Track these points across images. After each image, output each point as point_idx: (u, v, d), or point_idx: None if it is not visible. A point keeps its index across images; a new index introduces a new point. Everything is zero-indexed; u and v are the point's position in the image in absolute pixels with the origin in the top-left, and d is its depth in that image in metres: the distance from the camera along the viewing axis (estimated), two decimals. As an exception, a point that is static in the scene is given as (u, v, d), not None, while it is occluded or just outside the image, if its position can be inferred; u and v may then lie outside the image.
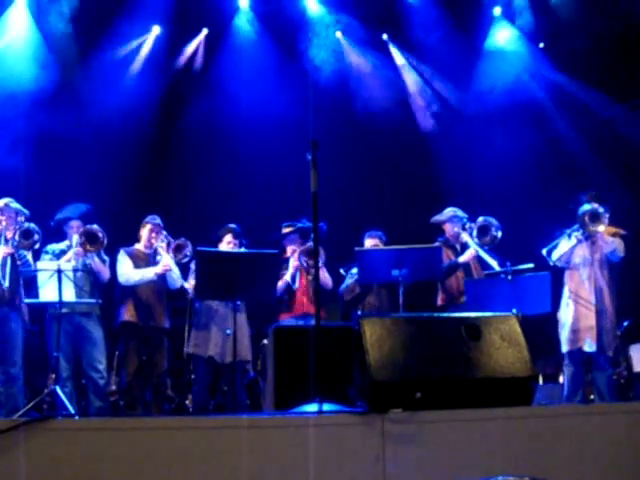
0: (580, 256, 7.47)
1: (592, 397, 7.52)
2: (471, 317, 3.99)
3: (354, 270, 7.92)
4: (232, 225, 7.69)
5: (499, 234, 7.59)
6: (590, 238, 7.41)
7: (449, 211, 8.06)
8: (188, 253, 7.46)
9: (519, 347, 3.83)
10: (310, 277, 7.78)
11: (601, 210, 7.24)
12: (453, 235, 7.96)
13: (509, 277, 6.87)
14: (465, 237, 7.79)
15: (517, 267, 7.17)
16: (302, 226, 7.94)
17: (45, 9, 9.48)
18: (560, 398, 7.63)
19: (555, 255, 7.49)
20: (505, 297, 6.71)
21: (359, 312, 7.83)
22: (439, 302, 7.88)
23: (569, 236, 7.50)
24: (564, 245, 7.51)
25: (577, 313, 7.36)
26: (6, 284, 6.95)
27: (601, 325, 7.27)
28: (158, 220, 7.68)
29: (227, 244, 7.57)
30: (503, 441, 3.44)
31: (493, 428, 3.46)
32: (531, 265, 7.36)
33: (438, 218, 8.12)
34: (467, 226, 7.84)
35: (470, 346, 3.79)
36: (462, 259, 7.76)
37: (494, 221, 7.66)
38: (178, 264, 7.53)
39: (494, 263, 7.57)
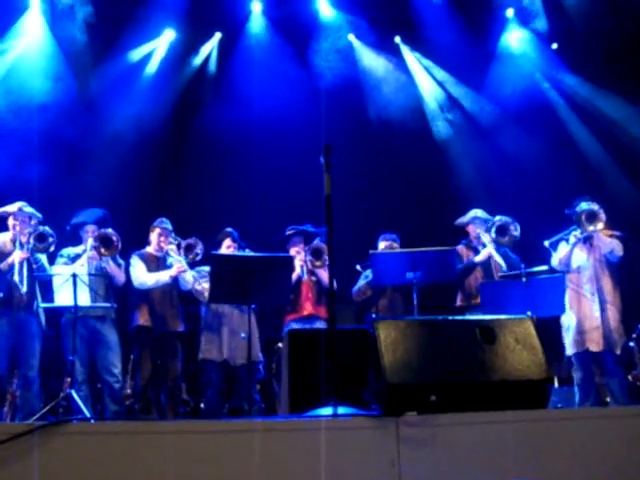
0: (579, 259, 7.47)
1: (608, 400, 7.48)
2: (486, 320, 3.97)
3: (367, 272, 7.93)
4: (229, 229, 7.77)
5: (518, 233, 7.59)
6: (588, 240, 7.41)
7: (470, 213, 8.06)
8: (199, 252, 7.48)
9: (534, 350, 3.82)
10: (314, 278, 7.81)
11: (597, 209, 7.24)
12: (476, 237, 7.95)
13: (524, 279, 6.85)
14: (483, 238, 7.79)
15: (532, 269, 7.15)
16: (305, 229, 7.99)
17: (59, 15, 9.54)
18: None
19: (555, 260, 7.50)
20: (520, 299, 6.69)
21: (373, 315, 7.83)
22: (458, 303, 7.88)
23: (567, 241, 7.51)
24: (563, 249, 7.51)
25: (581, 315, 7.34)
26: (24, 289, 6.99)
27: (606, 325, 7.25)
28: (166, 223, 7.71)
29: (227, 248, 7.64)
30: (518, 444, 3.42)
31: (508, 431, 3.44)
32: (546, 267, 7.35)
33: (461, 220, 8.12)
34: (484, 237, 7.82)
35: (485, 349, 3.78)
36: (478, 259, 7.78)
37: (512, 220, 7.66)
38: (191, 265, 7.55)
39: (502, 264, 7.58)
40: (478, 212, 8.03)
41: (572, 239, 7.47)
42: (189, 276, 7.51)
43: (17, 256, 7.04)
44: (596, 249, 7.42)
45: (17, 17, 9.56)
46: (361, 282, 8.04)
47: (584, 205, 7.34)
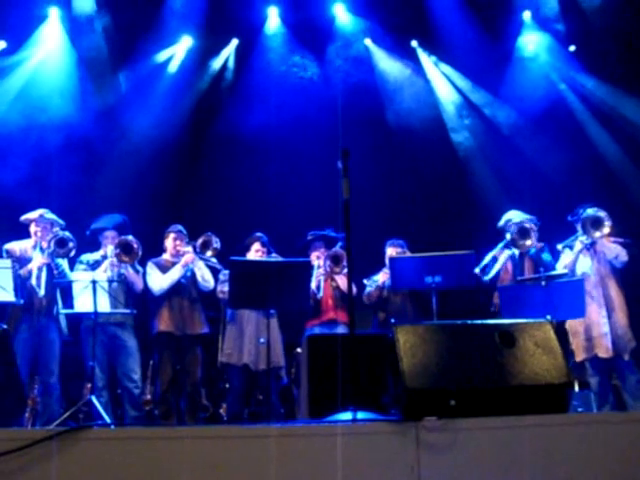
0: (584, 265, 7.43)
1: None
2: (505, 324, 3.96)
3: (375, 277, 7.95)
4: (259, 234, 7.74)
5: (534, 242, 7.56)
6: (592, 246, 7.37)
7: (507, 215, 8.00)
8: (217, 245, 7.49)
9: (554, 354, 3.79)
10: (334, 283, 7.82)
11: (602, 215, 7.20)
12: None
13: (543, 283, 6.81)
14: (496, 251, 7.77)
15: (551, 273, 7.12)
16: (326, 234, 7.99)
17: (78, 24, 9.61)
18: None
19: (559, 266, 7.46)
20: (539, 303, 6.65)
21: (392, 320, 7.81)
22: (493, 309, 7.83)
23: (571, 247, 7.48)
24: (567, 256, 7.47)
25: (588, 321, 7.28)
26: (41, 292, 7.05)
27: (614, 331, 7.20)
28: (180, 227, 7.73)
29: (255, 252, 7.61)
30: (539, 449, 3.40)
31: (529, 436, 3.42)
32: (565, 270, 7.31)
33: (500, 223, 8.07)
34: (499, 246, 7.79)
35: (504, 353, 3.76)
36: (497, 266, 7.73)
37: (532, 221, 7.63)
38: (211, 269, 7.57)
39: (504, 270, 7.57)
40: (513, 214, 7.96)
41: (577, 245, 7.44)
42: (208, 275, 7.51)
43: (36, 261, 7.11)
44: (600, 255, 7.38)
45: (36, 26, 9.64)
46: (368, 288, 8.03)
47: (590, 211, 7.30)
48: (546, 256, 7.72)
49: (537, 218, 7.71)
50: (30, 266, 7.12)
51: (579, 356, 7.36)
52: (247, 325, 7.44)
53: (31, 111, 9.26)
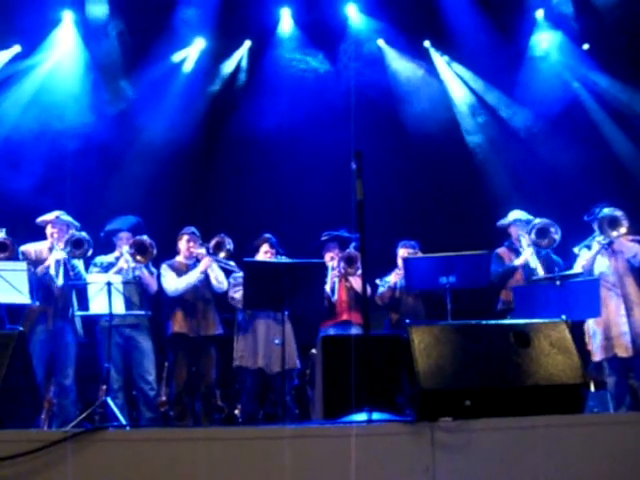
0: (601, 265, 7.38)
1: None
2: (520, 324, 3.95)
3: (387, 278, 7.94)
4: (268, 235, 7.73)
5: (558, 236, 7.53)
6: (610, 246, 7.33)
7: (513, 214, 8.01)
8: (230, 246, 7.48)
9: (569, 354, 3.78)
10: (348, 284, 7.82)
11: (619, 214, 7.17)
12: (517, 238, 7.90)
13: (558, 282, 6.78)
14: (523, 241, 7.74)
15: (566, 272, 7.09)
16: (340, 235, 7.99)
17: (91, 27, 9.65)
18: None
19: (577, 267, 7.42)
20: (554, 303, 6.62)
21: (407, 320, 7.80)
22: (500, 307, 7.82)
23: (588, 247, 7.44)
24: (585, 256, 7.43)
25: (607, 321, 7.24)
26: (59, 281, 7.09)
27: (633, 330, 7.15)
28: (193, 229, 7.75)
29: (264, 254, 7.60)
30: (554, 449, 3.39)
31: (544, 436, 3.41)
32: (581, 270, 7.28)
33: (503, 222, 8.08)
34: (524, 241, 7.77)
35: (519, 353, 3.75)
36: (517, 262, 7.71)
37: (552, 223, 7.61)
38: (225, 271, 7.58)
39: (539, 267, 7.51)
40: (518, 213, 7.98)
41: (595, 245, 7.39)
42: (221, 276, 7.53)
43: (53, 256, 7.15)
44: (618, 254, 7.34)
45: (50, 30, 9.69)
46: (381, 289, 8.02)
47: (606, 211, 7.26)
48: (555, 257, 7.71)
49: (553, 221, 7.67)
50: (48, 262, 7.17)
51: (597, 356, 7.31)
52: (260, 328, 7.43)
53: (45, 114, 9.30)
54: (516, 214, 8.00)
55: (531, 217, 7.86)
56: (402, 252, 8.06)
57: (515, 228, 7.95)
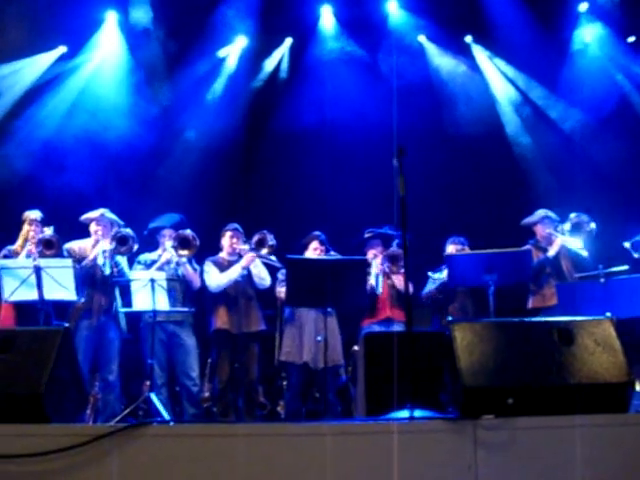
0: None
1: None
2: (564, 321, 3.91)
3: (435, 275, 7.91)
4: (317, 232, 7.75)
5: (592, 228, 7.46)
6: None
7: (540, 212, 7.98)
8: (272, 242, 7.51)
9: (614, 352, 3.74)
10: (390, 282, 7.80)
11: None
12: (544, 237, 7.85)
13: (602, 280, 6.70)
14: (558, 230, 7.67)
15: (611, 269, 7.00)
16: (383, 232, 7.97)
17: (134, 28, 9.75)
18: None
19: None
20: (599, 300, 6.55)
21: (449, 317, 7.76)
22: (530, 305, 7.77)
23: None
24: None
25: None
26: (107, 270, 7.18)
27: None
28: (236, 225, 7.78)
29: (313, 251, 7.62)
30: (597, 448, 3.36)
31: (587, 435, 3.37)
32: (625, 267, 7.17)
33: (529, 220, 8.04)
34: (559, 228, 7.72)
35: (563, 351, 3.72)
36: (551, 252, 7.65)
37: (585, 217, 7.54)
38: (268, 267, 7.61)
39: (584, 252, 7.43)
40: (548, 212, 7.92)
41: None
42: (262, 272, 7.55)
43: (100, 246, 7.25)
44: None
45: (94, 30, 9.80)
46: (430, 285, 7.99)
47: None
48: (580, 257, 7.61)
49: (588, 215, 7.61)
50: (94, 252, 7.26)
51: None
52: (306, 323, 7.45)
53: (88, 115, 9.41)
54: (543, 212, 7.94)
55: (558, 217, 7.81)
56: (450, 248, 8.01)
57: (542, 226, 7.90)
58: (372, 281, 7.64)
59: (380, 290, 7.71)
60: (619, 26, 10.01)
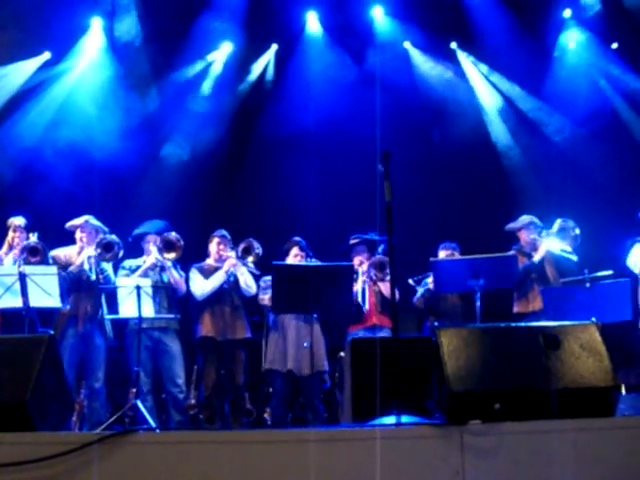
0: None
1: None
2: (550, 326, 3.93)
3: (427, 280, 7.90)
4: (297, 238, 7.74)
5: (578, 235, 7.50)
6: None
7: (524, 218, 8.00)
8: (258, 250, 7.50)
9: (600, 356, 3.75)
10: (376, 289, 7.81)
11: None
12: (529, 242, 7.87)
13: (587, 284, 6.73)
14: (541, 243, 7.70)
15: (596, 274, 7.03)
16: (369, 238, 7.97)
17: (119, 35, 9.74)
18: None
19: (630, 261, 7.33)
20: (584, 305, 6.57)
21: (435, 323, 7.78)
22: (515, 310, 7.79)
23: None
24: (637, 252, 7.34)
25: None
26: (93, 276, 7.17)
27: None
28: (224, 232, 7.77)
29: (294, 257, 7.60)
30: (584, 453, 3.37)
31: (574, 439, 3.38)
32: (610, 272, 7.20)
33: (513, 226, 8.05)
34: (543, 233, 7.75)
35: (549, 356, 3.73)
36: (536, 258, 7.68)
37: (571, 223, 7.57)
38: (254, 275, 7.60)
39: (573, 257, 7.47)
40: (532, 218, 7.95)
41: None
42: (250, 281, 7.53)
43: (85, 253, 7.23)
44: None
45: (78, 37, 9.78)
46: (421, 290, 7.99)
47: None
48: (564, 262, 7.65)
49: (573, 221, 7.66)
50: (80, 258, 7.24)
51: None
52: (290, 330, 7.43)
53: (73, 122, 9.39)
54: (528, 218, 7.97)
55: (541, 223, 7.85)
56: (442, 254, 8.01)
57: (527, 232, 7.91)
58: (359, 293, 7.64)
59: (367, 307, 7.71)
60: (603, 32, 10.08)
